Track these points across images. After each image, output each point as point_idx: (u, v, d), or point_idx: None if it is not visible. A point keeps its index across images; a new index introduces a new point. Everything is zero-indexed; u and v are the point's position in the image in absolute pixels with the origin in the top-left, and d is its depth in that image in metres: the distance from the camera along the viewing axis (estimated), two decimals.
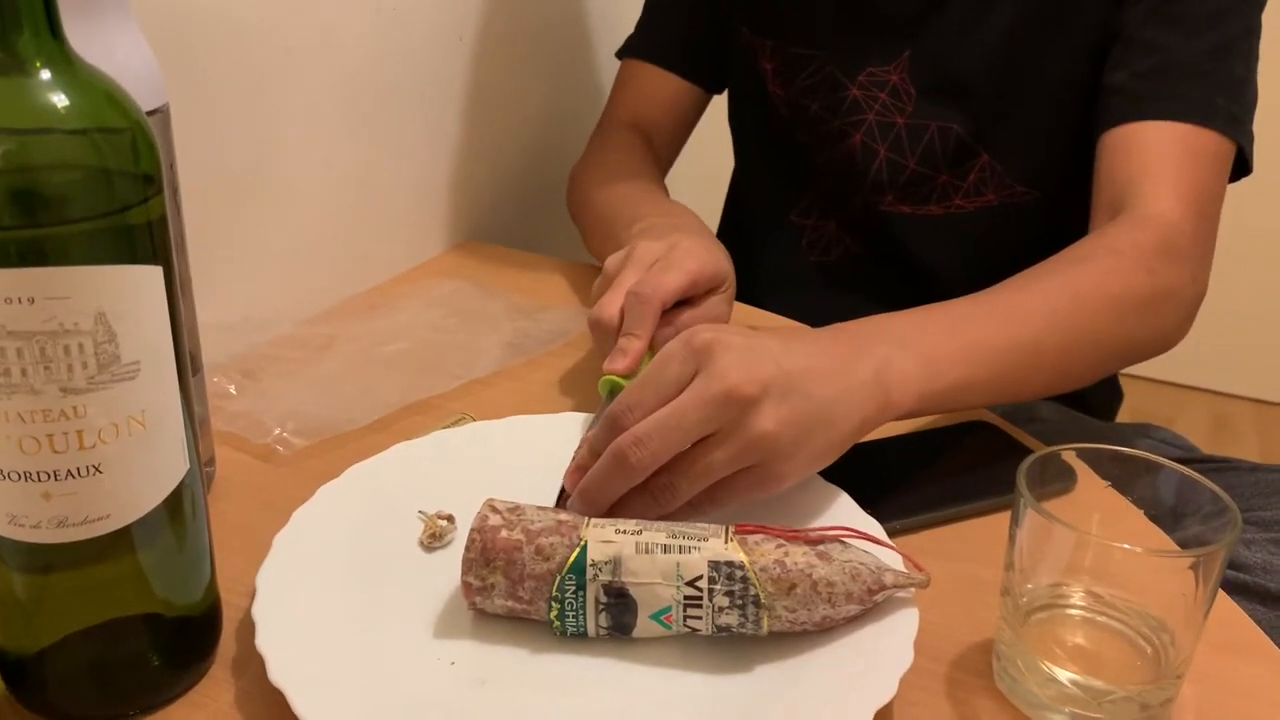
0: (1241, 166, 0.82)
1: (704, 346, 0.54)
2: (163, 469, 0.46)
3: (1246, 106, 0.81)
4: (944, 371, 0.61)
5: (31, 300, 0.40)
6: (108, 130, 0.42)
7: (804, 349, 0.57)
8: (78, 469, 0.43)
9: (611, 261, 0.74)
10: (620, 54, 1.08)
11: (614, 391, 0.65)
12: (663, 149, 1.06)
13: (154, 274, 0.43)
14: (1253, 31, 0.81)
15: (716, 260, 0.73)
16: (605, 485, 0.54)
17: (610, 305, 0.70)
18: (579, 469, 0.57)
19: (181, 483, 0.47)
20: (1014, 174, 0.91)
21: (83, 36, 0.44)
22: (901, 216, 0.94)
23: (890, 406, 0.59)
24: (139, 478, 0.45)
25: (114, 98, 0.42)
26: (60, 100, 0.41)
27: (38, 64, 0.40)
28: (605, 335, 0.70)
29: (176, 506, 0.47)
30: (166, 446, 0.45)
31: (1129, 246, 0.72)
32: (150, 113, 0.54)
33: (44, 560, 0.45)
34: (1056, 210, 0.88)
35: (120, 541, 0.45)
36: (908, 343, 0.61)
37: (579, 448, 0.59)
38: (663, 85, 1.05)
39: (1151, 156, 0.77)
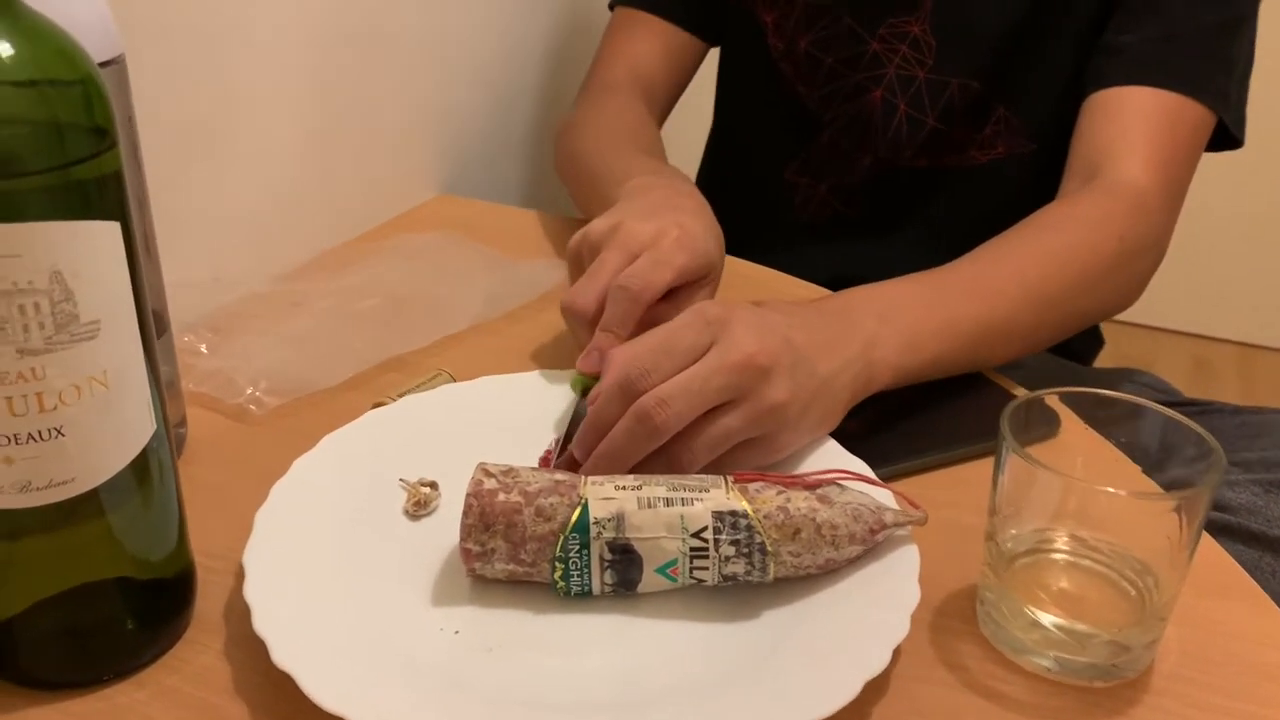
0: (1231, 141, 0.84)
1: (718, 318, 0.56)
2: (128, 430, 0.44)
3: (1238, 81, 0.82)
4: (922, 347, 0.64)
5: None
6: (57, 82, 0.40)
7: (804, 323, 0.59)
8: (39, 432, 0.41)
9: (596, 229, 0.68)
10: (615, 2, 1.04)
11: (587, 389, 0.62)
12: (658, 105, 1.01)
13: (111, 230, 0.42)
14: (1247, 17, 0.82)
15: (707, 251, 0.68)
16: (627, 447, 0.54)
17: (588, 294, 0.65)
18: (593, 432, 0.55)
19: (148, 444, 0.45)
20: (1027, 127, 0.91)
21: None
22: (917, 171, 0.93)
23: (873, 382, 0.62)
24: (103, 440, 0.43)
25: (63, 48, 0.41)
26: (6, 50, 0.39)
27: None
28: (581, 324, 0.65)
29: (144, 468, 0.46)
30: (131, 407, 0.44)
31: (1102, 215, 0.74)
32: (104, 64, 0.52)
33: (10, 526, 0.44)
34: (1051, 163, 0.88)
35: (87, 505, 0.44)
36: (890, 318, 0.63)
37: (559, 440, 0.59)
38: (660, 36, 1.00)
39: (1134, 122, 0.79)
